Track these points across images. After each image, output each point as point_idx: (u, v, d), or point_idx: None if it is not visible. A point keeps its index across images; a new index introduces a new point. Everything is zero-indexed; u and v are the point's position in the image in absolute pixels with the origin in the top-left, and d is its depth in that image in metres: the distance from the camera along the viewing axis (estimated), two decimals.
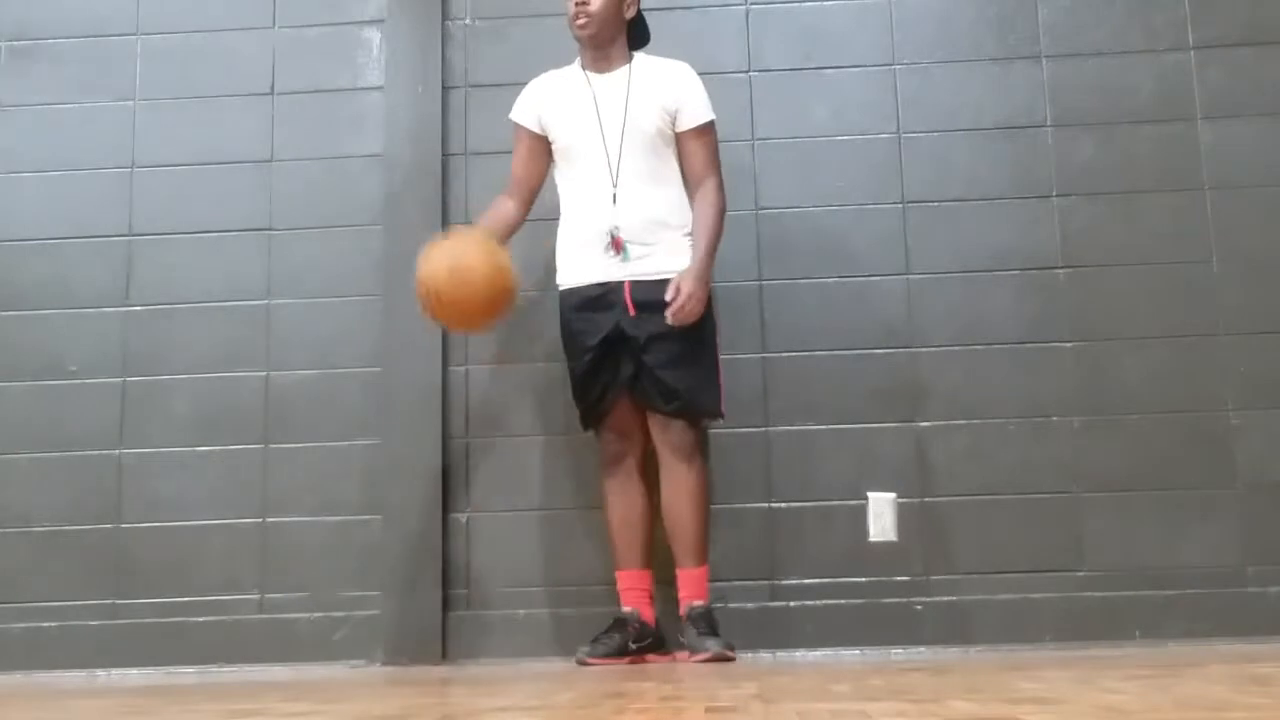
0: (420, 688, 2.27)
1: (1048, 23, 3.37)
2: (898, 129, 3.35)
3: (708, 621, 2.93)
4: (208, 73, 3.50)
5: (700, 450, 3.04)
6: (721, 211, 3.02)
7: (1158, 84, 3.33)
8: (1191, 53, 3.33)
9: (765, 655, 3.08)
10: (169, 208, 3.44)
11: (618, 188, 3.00)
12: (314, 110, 3.46)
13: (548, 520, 3.23)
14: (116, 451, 3.31)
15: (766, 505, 3.20)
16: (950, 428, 3.21)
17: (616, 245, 2.96)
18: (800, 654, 3.08)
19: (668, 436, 2.98)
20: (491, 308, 2.79)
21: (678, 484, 2.97)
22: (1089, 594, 3.11)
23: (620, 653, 2.91)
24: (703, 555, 2.99)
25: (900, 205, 3.31)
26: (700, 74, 3.04)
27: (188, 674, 3.07)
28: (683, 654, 2.93)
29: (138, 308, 3.40)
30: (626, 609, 2.99)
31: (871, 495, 3.19)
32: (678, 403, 2.95)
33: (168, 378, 3.35)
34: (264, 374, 3.34)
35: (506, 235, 3.03)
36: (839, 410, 3.23)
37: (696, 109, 3.03)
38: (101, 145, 3.46)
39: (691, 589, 2.97)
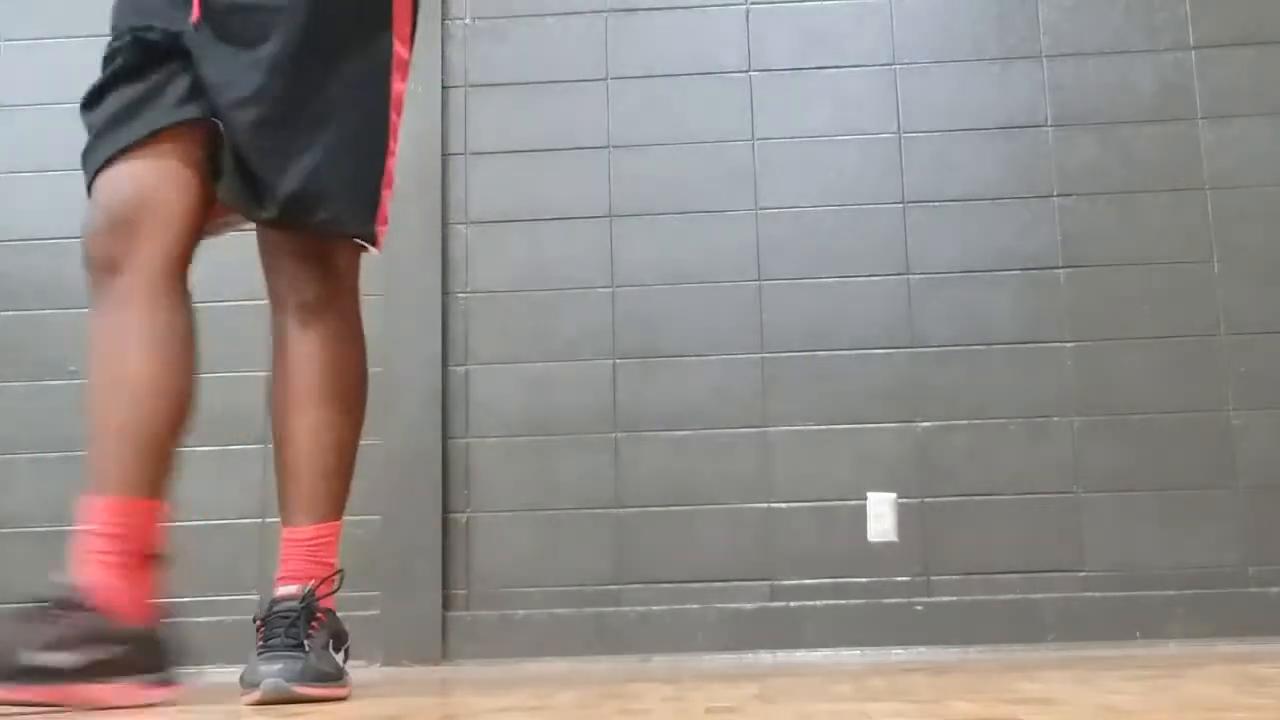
0: (420, 688, 2.27)
1: (1048, 22, 3.37)
2: (898, 129, 3.35)
3: (299, 625, 1.79)
4: None
5: (347, 302, 1.90)
6: None
7: (1159, 83, 3.33)
8: (1192, 52, 3.33)
9: (765, 655, 3.07)
10: None
11: None
12: None
13: (548, 520, 3.23)
14: None
15: (766, 505, 3.20)
16: (950, 428, 3.21)
17: None
18: (800, 654, 3.08)
19: (280, 264, 1.86)
20: None
21: (298, 363, 1.86)
22: (1090, 594, 3.11)
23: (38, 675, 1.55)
24: (334, 503, 1.95)
25: (900, 205, 3.31)
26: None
27: (188, 674, 3.07)
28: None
29: None
30: (71, 581, 1.65)
31: (871, 495, 3.18)
32: (282, 202, 1.79)
33: None
34: (264, 374, 3.33)
35: None
36: (839, 410, 3.23)
37: None
38: None
39: (297, 563, 1.87)
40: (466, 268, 3.33)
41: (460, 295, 3.30)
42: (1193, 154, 3.29)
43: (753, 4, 3.44)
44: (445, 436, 3.27)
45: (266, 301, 3.32)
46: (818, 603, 3.14)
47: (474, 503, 3.26)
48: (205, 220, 1.83)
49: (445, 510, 3.23)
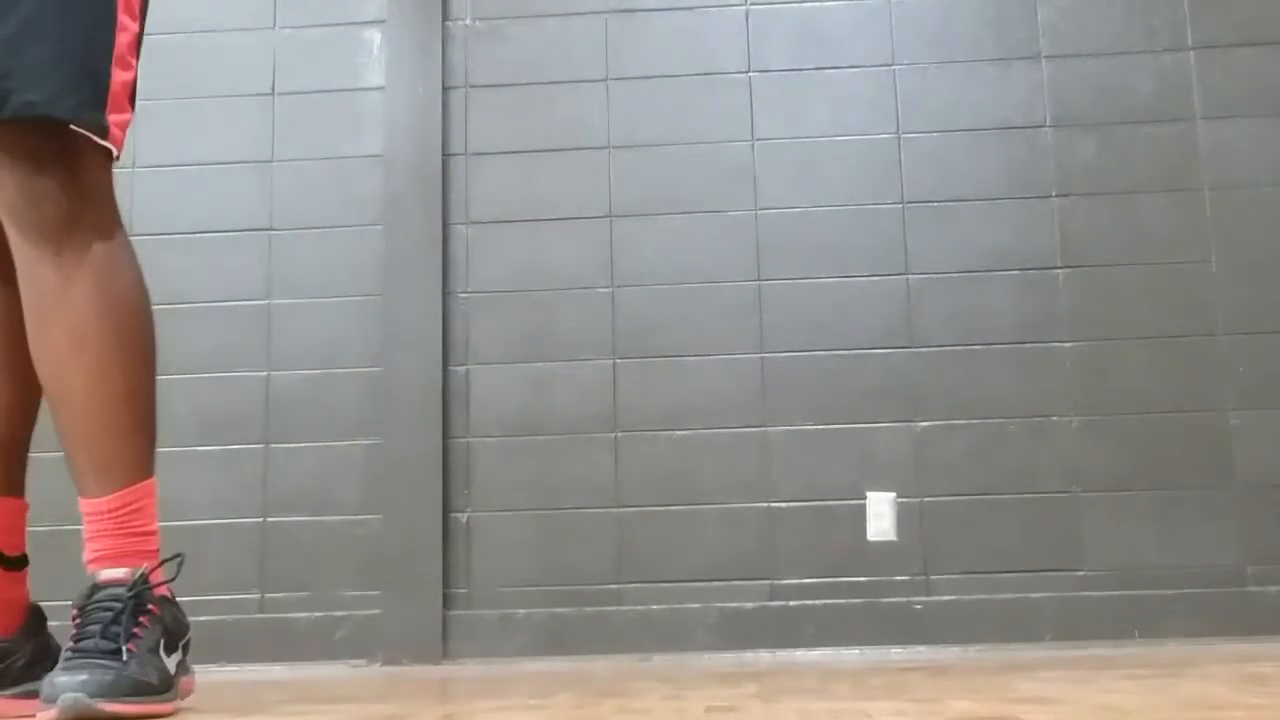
0: (420, 687, 2.28)
1: (1047, 23, 3.37)
2: (898, 129, 3.35)
3: (122, 622, 1.48)
4: (208, 73, 3.50)
5: (102, 221, 1.57)
6: None
7: (1157, 84, 3.33)
8: (1191, 53, 3.33)
9: (765, 655, 3.08)
10: (169, 208, 3.43)
11: None
12: (314, 110, 3.46)
13: (548, 520, 3.24)
14: None
15: (766, 505, 3.20)
16: (950, 428, 3.21)
17: None
18: (800, 653, 3.08)
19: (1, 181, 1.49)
20: None
21: (55, 304, 1.54)
22: (1088, 594, 3.11)
23: None
24: (141, 461, 1.71)
25: (900, 205, 3.32)
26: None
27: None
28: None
29: None
30: None
31: (871, 495, 3.19)
32: None
33: (168, 378, 3.32)
34: (264, 374, 3.34)
35: None
36: (839, 410, 3.23)
37: None
38: None
39: (112, 539, 1.59)
40: (466, 268, 3.33)
41: (460, 295, 3.31)
42: (1192, 154, 3.29)
43: (753, 4, 3.44)
44: (445, 436, 3.27)
45: (266, 301, 3.35)
46: (817, 602, 3.14)
47: (474, 503, 3.26)
48: None
49: (445, 510, 3.24)
